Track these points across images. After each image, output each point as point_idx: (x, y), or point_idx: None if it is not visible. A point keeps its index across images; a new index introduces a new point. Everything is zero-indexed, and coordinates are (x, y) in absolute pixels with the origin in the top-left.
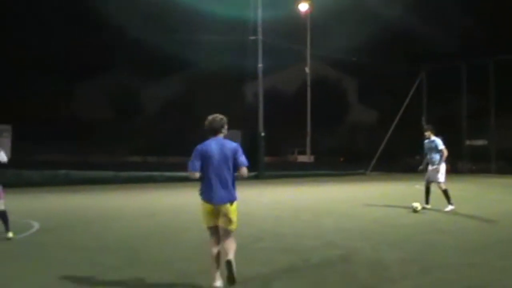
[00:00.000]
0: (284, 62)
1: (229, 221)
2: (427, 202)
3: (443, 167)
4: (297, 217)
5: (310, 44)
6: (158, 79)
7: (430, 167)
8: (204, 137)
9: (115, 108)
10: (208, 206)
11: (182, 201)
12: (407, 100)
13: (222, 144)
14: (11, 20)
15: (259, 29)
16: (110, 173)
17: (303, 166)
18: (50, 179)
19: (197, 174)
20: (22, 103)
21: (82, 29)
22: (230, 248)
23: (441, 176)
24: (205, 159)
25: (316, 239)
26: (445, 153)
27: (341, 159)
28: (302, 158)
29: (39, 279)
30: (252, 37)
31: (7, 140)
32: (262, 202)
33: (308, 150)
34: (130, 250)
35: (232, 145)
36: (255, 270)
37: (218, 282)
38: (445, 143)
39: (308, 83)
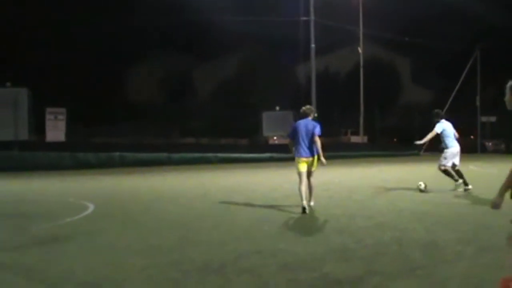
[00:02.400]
0: (336, 43)
1: (311, 166)
2: (465, 183)
3: (447, 151)
4: (350, 197)
5: (363, 24)
6: (211, 61)
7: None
8: (256, 119)
9: (169, 90)
10: (301, 159)
11: (235, 182)
12: (461, 80)
13: (307, 123)
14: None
15: (311, 10)
16: (163, 155)
17: (356, 147)
18: (105, 161)
19: (292, 142)
20: (76, 86)
21: (134, 12)
22: (312, 184)
23: (443, 159)
24: (296, 131)
25: (369, 220)
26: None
27: (395, 140)
28: (355, 139)
29: (91, 260)
30: (304, 18)
31: (61, 123)
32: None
33: (361, 130)
34: (183, 231)
35: (312, 123)
36: (308, 250)
37: (304, 202)
38: (455, 126)
39: (361, 63)
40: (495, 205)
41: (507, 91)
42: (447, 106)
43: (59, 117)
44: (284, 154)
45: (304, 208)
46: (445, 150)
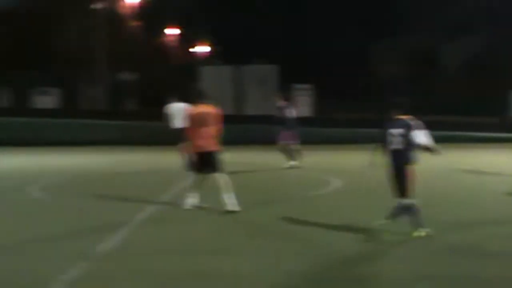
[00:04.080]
0: None
1: None
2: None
3: None
4: None
5: None
6: (459, 38)
7: None
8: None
9: (413, 66)
10: None
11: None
12: None
13: None
14: None
15: None
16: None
17: None
18: (349, 137)
19: None
20: (324, 62)
21: None
22: None
23: None
24: None
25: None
26: None
27: None
28: None
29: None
30: None
31: (306, 99)
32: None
33: None
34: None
35: None
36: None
37: None
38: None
39: None
40: None
41: None
42: None
43: (306, 93)
44: None
45: None
46: None
